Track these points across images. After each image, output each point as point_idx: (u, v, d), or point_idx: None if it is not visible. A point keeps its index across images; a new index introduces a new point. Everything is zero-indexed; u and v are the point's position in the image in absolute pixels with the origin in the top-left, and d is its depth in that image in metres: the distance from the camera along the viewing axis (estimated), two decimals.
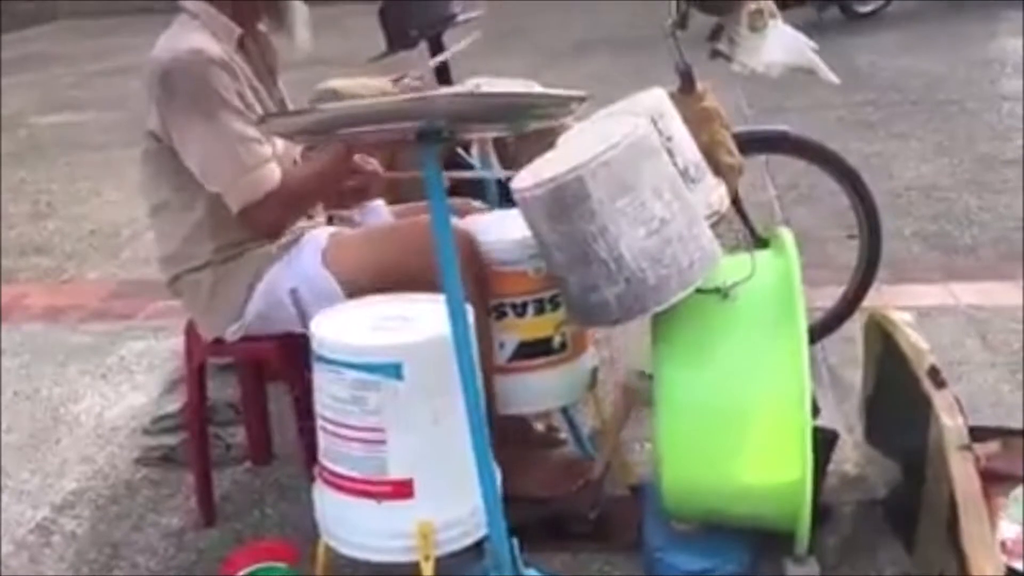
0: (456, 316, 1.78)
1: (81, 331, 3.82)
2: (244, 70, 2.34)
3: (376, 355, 1.95)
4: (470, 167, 3.20)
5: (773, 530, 2.24)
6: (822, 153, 3.13)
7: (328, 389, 2.00)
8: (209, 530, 2.59)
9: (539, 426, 2.78)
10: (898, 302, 3.27)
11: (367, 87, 3.15)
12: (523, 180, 2.11)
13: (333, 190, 2.44)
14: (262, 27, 2.44)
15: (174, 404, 3.22)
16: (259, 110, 2.33)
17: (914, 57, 7.38)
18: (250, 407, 2.84)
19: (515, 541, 1.88)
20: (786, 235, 2.26)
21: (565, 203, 2.00)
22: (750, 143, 3.05)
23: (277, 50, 2.50)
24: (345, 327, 2.04)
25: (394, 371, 1.93)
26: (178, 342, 3.57)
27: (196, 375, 2.53)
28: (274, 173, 2.26)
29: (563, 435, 2.74)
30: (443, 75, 3.28)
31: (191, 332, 2.51)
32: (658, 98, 2.39)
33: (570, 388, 2.50)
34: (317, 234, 2.38)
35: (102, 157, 6.29)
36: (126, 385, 3.40)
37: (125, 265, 4.52)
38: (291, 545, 2.32)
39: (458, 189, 2.89)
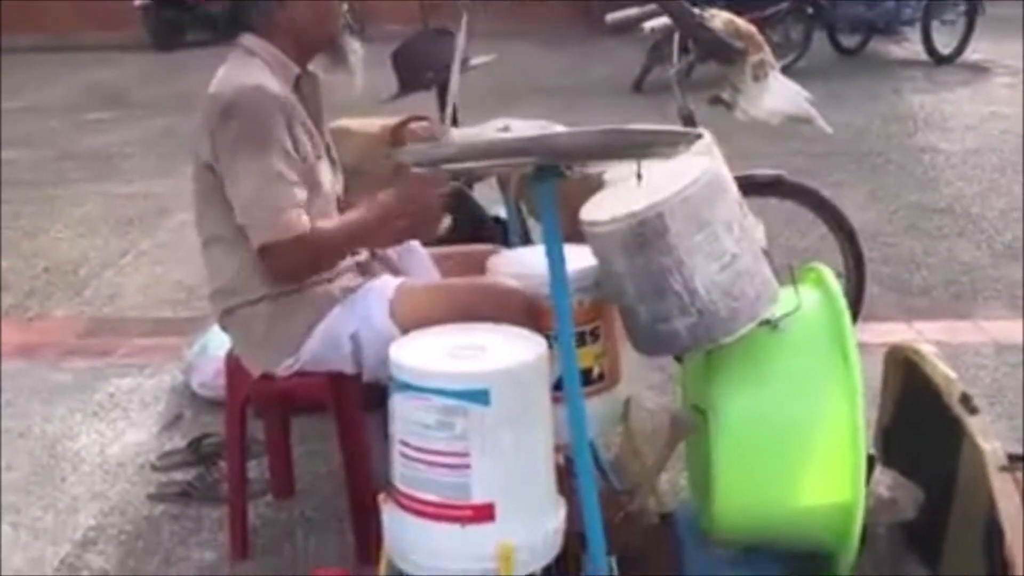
0: (567, 351, 1.85)
1: (62, 368, 3.74)
2: (299, 110, 2.38)
3: (465, 382, 2.00)
4: (478, 207, 3.29)
5: (815, 553, 2.36)
6: (814, 198, 3.31)
7: (412, 415, 2.04)
8: (245, 563, 2.59)
9: (559, 458, 2.85)
10: (872, 340, 3.46)
11: (376, 125, 3.22)
12: (594, 215, 2.21)
13: (372, 242, 2.48)
14: (314, 68, 2.48)
15: (177, 439, 3.20)
16: (311, 150, 2.38)
17: (831, 111, 7.73)
18: (275, 441, 2.84)
19: (614, 561, 1.95)
20: (824, 270, 2.40)
21: (645, 237, 2.10)
22: (747, 187, 3.19)
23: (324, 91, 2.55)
24: (426, 355, 2.08)
25: (482, 397, 1.99)
26: (166, 379, 3.62)
27: (240, 409, 2.53)
28: (303, 219, 2.27)
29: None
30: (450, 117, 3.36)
31: (234, 367, 2.51)
32: (707, 139, 2.52)
33: (606, 418, 2.59)
34: (385, 283, 2.42)
35: (39, 194, 6.17)
36: (122, 422, 3.35)
37: (91, 302, 4.45)
38: (348, 574, 2.34)
39: (464, 234, 2.97)
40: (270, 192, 2.26)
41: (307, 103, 2.43)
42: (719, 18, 3.10)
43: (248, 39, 2.39)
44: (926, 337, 3.73)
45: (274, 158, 2.26)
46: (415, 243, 2.63)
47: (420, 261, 2.61)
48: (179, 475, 2.99)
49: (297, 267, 2.33)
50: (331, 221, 2.37)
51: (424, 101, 3.47)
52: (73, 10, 13.65)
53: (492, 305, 2.30)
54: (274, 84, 2.32)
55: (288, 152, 2.29)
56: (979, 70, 9.44)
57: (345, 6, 2.46)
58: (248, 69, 2.33)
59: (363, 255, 2.57)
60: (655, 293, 2.15)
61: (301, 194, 2.30)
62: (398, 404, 2.08)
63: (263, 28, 2.37)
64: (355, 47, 2.46)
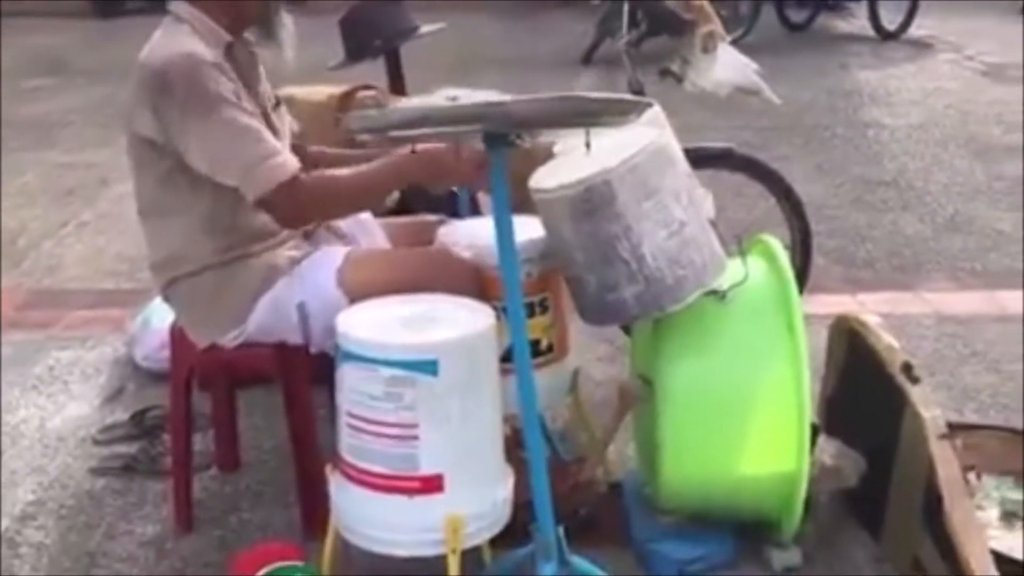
0: (516, 323, 1.85)
1: None
2: (231, 77, 2.33)
3: (413, 352, 1.99)
4: None
5: (759, 520, 2.39)
6: (762, 170, 3.33)
7: (359, 386, 2.03)
8: (189, 536, 2.56)
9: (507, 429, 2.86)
10: (817, 311, 3.49)
11: (323, 93, 3.18)
12: (542, 182, 2.20)
13: (373, 201, 2.44)
14: (248, 36, 2.44)
15: (120, 413, 3.15)
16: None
17: (778, 85, 7.77)
18: (220, 414, 2.81)
19: (561, 530, 1.95)
20: (773, 242, 2.42)
21: (592, 204, 2.10)
22: (697, 159, 3.21)
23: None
24: (374, 325, 2.07)
25: (430, 368, 1.99)
26: (108, 351, 3.56)
27: (184, 382, 2.50)
28: (289, 163, 2.23)
29: None
30: (397, 85, 3.33)
31: (178, 338, 2.47)
32: (656, 111, 2.51)
33: (555, 390, 2.59)
34: (332, 251, 2.39)
35: None
36: (62, 395, 3.29)
37: (30, 274, 4.35)
38: (295, 546, 2.33)
39: (413, 203, 2.95)
40: (245, 143, 2.21)
41: (240, 69, 2.37)
42: None
43: (178, 5, 2.33)
44: (870, 308, 3.77)
45: (231, 114, 2.21)
46: (365, 215, 2.60)
47: (369, 230, 2.59)
48: (122, 448, 2.94)
49: (305, 207, 2.27)
50: (343, 168, 2.31)
51: (372, 69, 3.43)
52: None
53: (441, 275, 2.28)
54: (204, 50, 2.26)
55: (240, 105, 2.24)
56: (923, 46, 9.53)
57: None
58: (177, 37, 2.28)
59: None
60: (603, 261, 2.15)
61: (273, 140, 2.25)
62: (345, 374, 2.07)
63: None
64: (286, 22, 2.41)
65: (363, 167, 2.31)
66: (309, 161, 2.48)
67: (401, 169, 2.27)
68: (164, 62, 2.23)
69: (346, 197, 2.32)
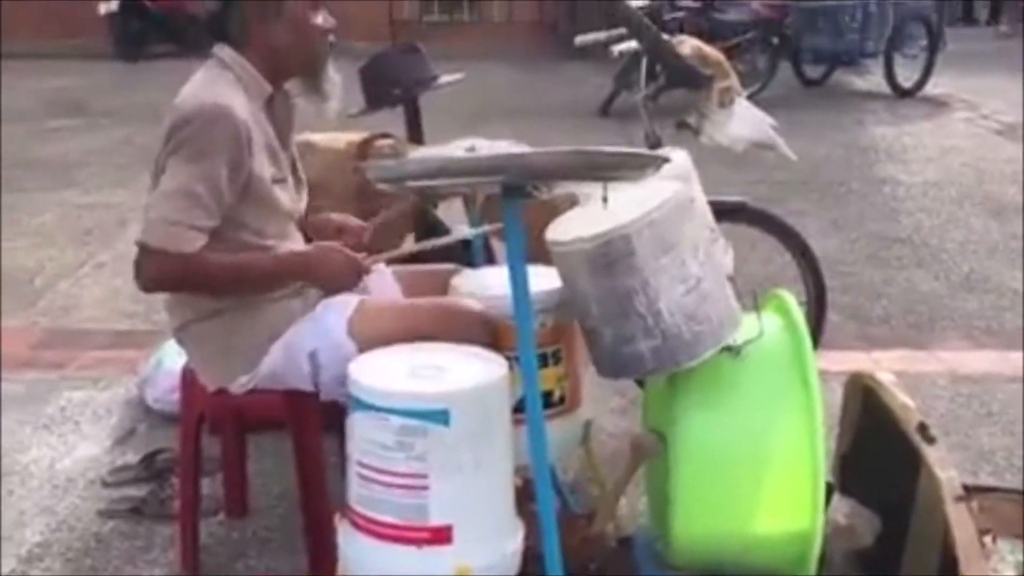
0: (529, 374, 1.84)
1: (12, 380, 3.66)
2: (267, 129, 2.35)
3: (424, 401, 1.98)
4: (442, 226, 3.28)
5: None
6: (777, 225, 3.33)
7: (370, 435, 2.02)
8: None
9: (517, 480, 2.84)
10: (831, 368, 3.47)
11: (342, 140, 3.21)
12: (559, 234, 2.20)
13: (276, 287, 2.39)
14: (289, 89, 2.45)
15: (130, 455, 3.15)
16: (271, 172, 2.33)
17: (794, 140, 7.81)
18: (229, 459, 2.80)
19: None
20: (788, 298, 2.41)
21: (610, 258, 2.09)
22: (712, 212, 3.21)
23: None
24: (386, 374, 2.06)
25: (442, 418, 1.97)
26: (121, 392, 3.56)
27: (194, 425, 2.49)
28: (192, 242, 2.20)
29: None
30: (415, 134, 3.35)
31: (190, 381, 2.47)
32: (684, 159, 2.51)
33: (566, 441, 2.58)
34: (344, 300, 2.38)
35: None
36: (73, 436, 3.29)
37: (46, 313, 4.38)
38: None
39: (427, 252, 2.96)
40: (178, 202, 2.20)
41: (276, 122, 2.39)
42: (687, 44, 3.12)
43: (224, 51, 2.34)
44: (884, 366, 3.75)
45: (202, 176, 2.20)
46: (380, 265, 2.60)
47: (382, 279, 2.59)
48: (131, 491, 2.93)
49: (163, 282, 2.28)
50: (230, 257, 2.28)
51: (391, 118, 3.46)
52: (38, 17, 13.53)
53: (453, 326, 2.28)
54: (241, 102, 2.27)
55: (221, 179, 2.21)
56: (940, 104, 9.58)
57: (331, 36, 2.41)
58: (217, 84, 2.28)
59: None
60: (619, 315, 2.15)
61: (207, 223, 2.22)
62: (356, 423, 2.05)
63: (240, 42, 2.33)
64: (333, 77, 2.42)
65: (253, 261, 2.31)
66: (316, 229, 2.51)
67: (287, 273, 2.33)
68: (196, 107, 2.23)
69: (216, 287, 2.31)
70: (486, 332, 2.30)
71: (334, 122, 3.34)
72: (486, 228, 2.80)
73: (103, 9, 12.40)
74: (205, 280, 2.27)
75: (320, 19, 2.37)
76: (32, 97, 9.89)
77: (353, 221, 2.59)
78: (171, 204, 2.20)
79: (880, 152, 7.58)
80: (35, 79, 10.81)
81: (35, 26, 13.39)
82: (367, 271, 2.38)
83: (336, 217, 2.60)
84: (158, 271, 2.23)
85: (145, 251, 2.22)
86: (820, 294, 3.36)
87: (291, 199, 2.43)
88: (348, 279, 2.34)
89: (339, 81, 2.43)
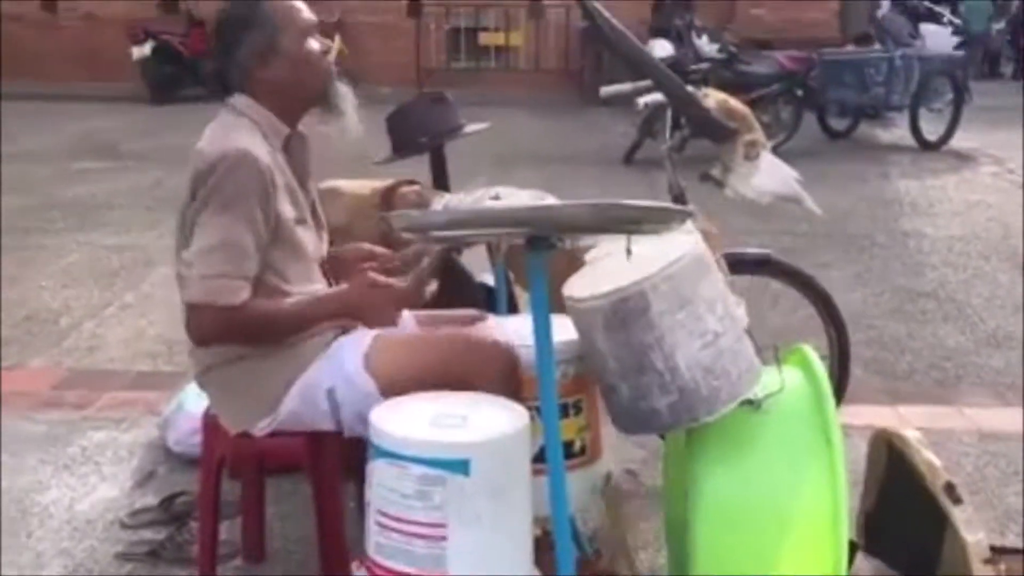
0: (550, 425, 1.83)
1: (34, 419, 3.68)
2: (286, 171, 2.37)
3: (445, 451, 1.97)
4: (466, 274, 3.29)
5: None
6: (801, 278, 3.32)
7: (390, 483, 2.01)
8: None
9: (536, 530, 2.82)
10: (855, 423, 3.44)
11: (368, 187, 3.23)
12: (576, 290, 2.20)
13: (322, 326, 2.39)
14: (304, 128, 2.47)
15: (149, 497, 3.14)
16: (294, 213, 2.35)
17: (819, 192, 7.81)
18: (249, 503, 2.79)
19: None
20: (810, 352, 2.39)
21: (626, 314, 2.09)
22: (735, 264, 3.21)
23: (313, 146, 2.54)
24: (407, 422, 2.06)
25: (462, 467, 1.96)
26: (142, 434, 3.57)
27: (215, 469, 2.49)
28: (238, 293, 2.22)
29: None
30: (441, 181, 3.37)
31: (211, 425, 2.47)
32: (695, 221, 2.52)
33: (586, 492, 2.56)
34: (359, 335, 2.38)
35: (24, 242, 6.14)
36: (94, 476, 3.29)
37: (70, 353, 4.40)
38: None
39: (451, 299, 2.97)
40: (219, 254, 2.22)
41: (294, 164, 2.42)
42: (713, 97, 3.13)
43: (238, 99, 2.37)
44: (909, 422, 3.71)
45: (238, 224, 2.22)
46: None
47: (406, 328, 2.58)
48: (149, 534, 2.93)
49: (216, 336, 2.28)
50: (277, 303, 2.30)
51: (416, 164, 3.48)
52: (71, 60, 13.78)
53: (471, 358, 2.27)
54: (261, 147, 2.29)
55: (256, 223, 2.24)
56: (965, 158, 9.57)
57: (331, 56, 2.42)
58: (235, 130, 2.31)
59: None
60: (636, 370, 2.14)
61: (250, 267, 2.24)
62: (376, 471, 2.05)
63: (250, 89, 2.36)
64: (346, 93, 2.43)
65: (297, 307, 2.31)
66: (342, 260, 2.51)
67: (329, 313, 2.32)
68: (219, 154, 2.25)
69: (269, 335, 2.31)
70: (505, 367, 2.28)
71: (361, 169, 3.40)
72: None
73: (136, 54, 12.59)
74: (254, 330, 2.28)
75: (314, 44, 2.39)
76: (63, 139, 10.04)
77: (380, 249, 2.58)
78: (211, 258, 2.22)
79: (905, 205, 7.56)
80: (66, 121, 10.97)
81: (67, 69, 13.64)
82: (411, 300, 2.33)
83: (364, 245, 2.61)
84: (208, 326, 2.24)
85: (192, 309, 2.23)
86: (844, 348, 3.34)
87: (313, 241, 2.44)
88: (389, 312, 2.31)
89: (351, 95, 2.44)
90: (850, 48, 11.11)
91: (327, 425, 2.35)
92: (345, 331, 2.41)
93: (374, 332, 2.40)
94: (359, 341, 2.37)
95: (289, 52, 2.35)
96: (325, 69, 2.42)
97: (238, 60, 2.34)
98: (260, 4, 2.35)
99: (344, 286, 2.37)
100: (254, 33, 2.33)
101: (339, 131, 2.45)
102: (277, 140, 2.37)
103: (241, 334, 2.28)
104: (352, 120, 2.44)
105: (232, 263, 2.22)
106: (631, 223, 1.77)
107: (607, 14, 2.94)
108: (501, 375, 2.25)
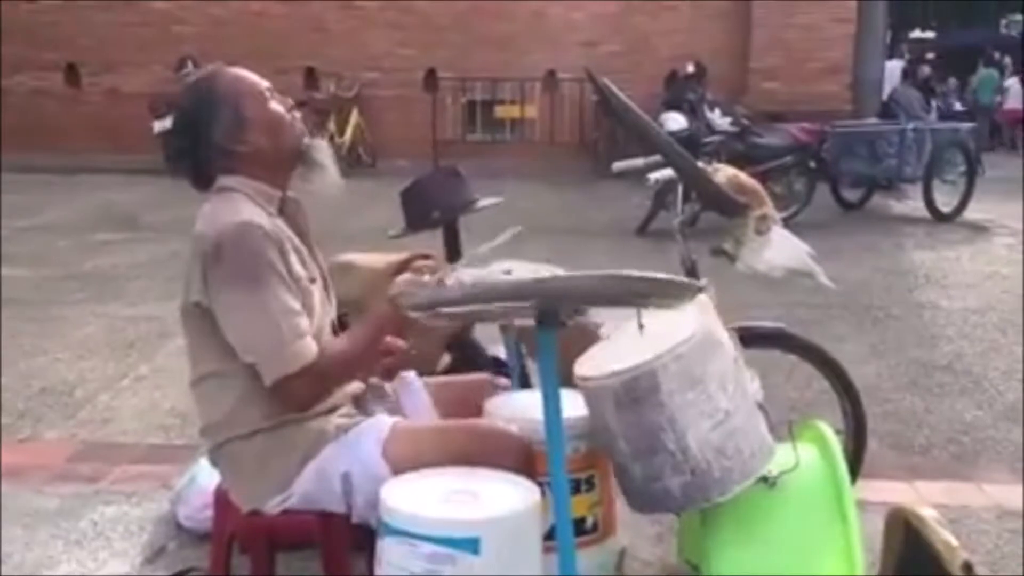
0: (561, 501, 1.82)
1: (46, 493, 3.67)
2: (289, 234, 2.40)
3: (454, 529, 1.97)
4: (478, 347, 3.29)
5: None
6: (815, 352, 3.31)
7: (399, 561, 2.00)
8: None
9: None
10: (871, 498, 3.40)
11: (382, 260, 3.24)
12: (587, 370, 2.20)
13: (373, 360, 2.47)
14: (293, 193, 2.49)
15: (160, 573, 3.12)
16: (304, 273, 2.38)
17: (831, 265, 7.81)
18: None
19: None
20: (824, 427, 2.38)
21: (636, 395, 2.10)
22: (747, 338, 3.20)
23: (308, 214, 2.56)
24: (417, 499, 2.05)
25: (472, 546, 1.96)
26: (153, 508, 3.55)
27: (226, 545, 2.48)
28: (311, 347, 2.28)
29: None
30: (454, 254, 3.39)
31: (222, 501, 2.47)
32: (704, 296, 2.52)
33: (599, 570, 2.53)
34: (379, 422, 2.40)
35: (41, 313, 6.19)
36: (104, 552, 3.27)
37: (84, 425, 4.40)
38: None
39: (462, 372, 2.98)
40: (273, 326, 2.25)
41: (294, 225, 2.44)
42: (723, 172, 3.15)
43: (224, 180, 2.39)
44: (926, 497, 3.67)
45: (273, 290, 2.26)
46: (412, 375, 2.61)
47: (416, 395, 2.58)
48: None
49: (312, 395, 2.33)
50: (333, 341, 2.37)
51: (430, 236, 3.50)
52: (94, 133, 14.00)
53: (487, 448, 2.28)
54: (260, 215, 2.32)
55: (286, 281, 2.29)
56: (979, 229, 9.57)
57: (298, 114, 2.46)
58: (232, 205, 2.33)
59: (357, 387, 2.54)
60: (647, 450, 2.14)
61: (304, 322, 2.29)
62: (385, 548, 2.04)
63: (231, 166, 2.38)
64: (323, 146, 2.47)
65: (354, 332, 2.39)
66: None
67: (373, 336, 2.38)
68: (220, 231, 2.28)
69: (346, 371, 2.39)
70: (520, 456, 2.28)
71: (375, 242, 3.42)
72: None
73: (157, 127, 12.75)
74: (338, 370, 2.36)
75: (277, 105, 2.43)
76: (84, 210, 10.16)
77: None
78: (268, 331, 2.24)
79: (920, 277, 7.55)
80: (88, 193, 11.12)
81: (89, 141, 13.86)
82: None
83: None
84: (303, 392, 2.29)
85: (279, 386, 2.27)
86: (859, 423, 3.31)
87: (323, 302, 2.46)
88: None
89: (327, 148, 2.48)
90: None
91: (338, 508, 2.35)
92: (362, 416, 2.42)
93: (392, 420, 2.42)
94: (379, 428, 2.38)
95: (257, 118, 2.38)
96: (297, 127, 2.46)
97: (211, 142, 2.37)
98: (213, 81, 2.40)
99: (368, 315, 2.43)
100: (218, 110, 2.36)
101: (321, 186, 2.47)
102: (272, 206, 2.40)
103: (331, 381, 2.35)
104: (332, 173, 2.48)
105: (288, 326, 2.26)
106: (639, 296, 1.78)
107: (615, 88, 2.97)
108: (517, 465, 2.25)
